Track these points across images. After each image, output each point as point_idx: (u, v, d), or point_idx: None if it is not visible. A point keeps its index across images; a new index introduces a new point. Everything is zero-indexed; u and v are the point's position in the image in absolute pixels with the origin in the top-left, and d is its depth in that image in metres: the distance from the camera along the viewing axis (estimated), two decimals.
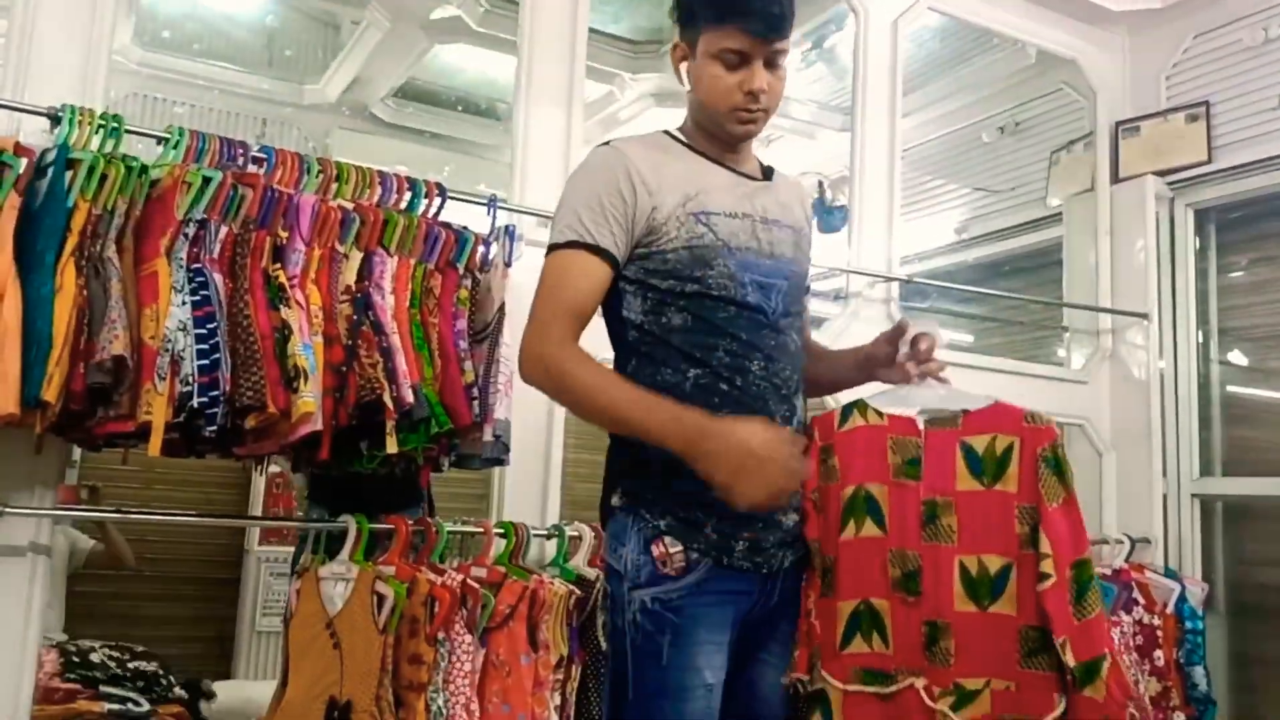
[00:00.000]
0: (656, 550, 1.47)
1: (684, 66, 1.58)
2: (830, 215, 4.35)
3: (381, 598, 1.98)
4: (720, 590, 1.49)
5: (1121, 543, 3.05)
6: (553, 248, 1.53)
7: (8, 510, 1.90)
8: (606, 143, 1.58)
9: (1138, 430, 3.33)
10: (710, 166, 1.59)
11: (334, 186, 2.14)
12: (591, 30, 2.77)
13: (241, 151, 2.06)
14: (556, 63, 2.66)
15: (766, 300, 1.54)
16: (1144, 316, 3.40)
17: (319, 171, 2.13)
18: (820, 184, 4.44)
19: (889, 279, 3.06)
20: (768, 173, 1.68)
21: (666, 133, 1.63)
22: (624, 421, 1.44)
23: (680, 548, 1.47)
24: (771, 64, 1.51)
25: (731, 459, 1.33)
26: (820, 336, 2.94)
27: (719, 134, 1.59)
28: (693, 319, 1.51)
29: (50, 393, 1.70)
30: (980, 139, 4.33)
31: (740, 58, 1.49)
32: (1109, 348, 3.48)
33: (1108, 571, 2.88)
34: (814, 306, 4.17)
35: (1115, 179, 3.56)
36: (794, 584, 1.61)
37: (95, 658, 3.11)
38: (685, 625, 1.46)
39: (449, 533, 2.18)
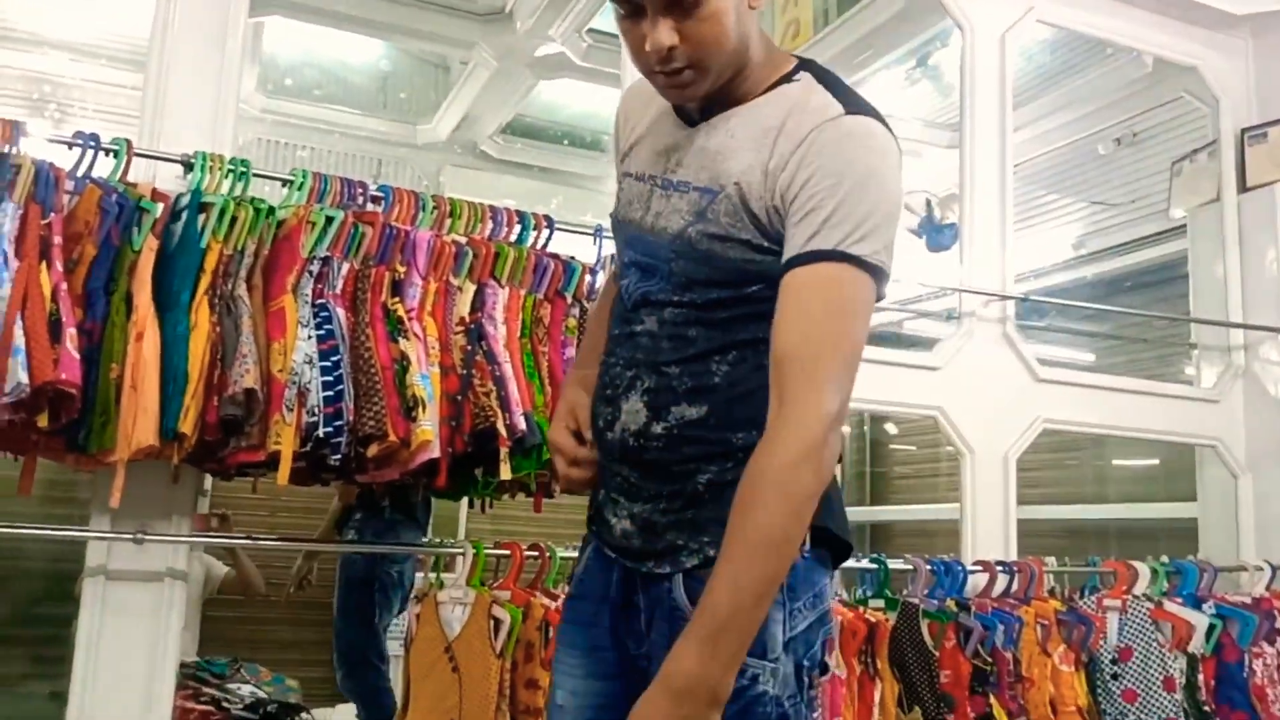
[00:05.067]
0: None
1: None
2: (940, 233, 4.28)
3: (498, 622, 2.01)
4: (590, 577, 1.32)
5: (1261, 570, 2.89)
6: None
7: (147, 537, 2.00)
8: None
9: (1275, 450, 3.16)
10: (665, 112, 1.33)
11: (448, 222, 2.21)
12: None
13: (361, 191, 2.15)
14: None
15: (632, 285, 1.29)
16: (1278, 331, 3.23)
17: (433, 208, 2.20)
18: (928, 202, 4.37)
19: (1004, 297, 2.98)
20: (721, 104, 1.25)
21: None
22: None
23: (582, 543, 1.37)
24: (675, 9, 1.14)
25: None
26: (934, 358, 2.91)
27: None
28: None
29: (186, 425, 1.79)
30: (1096, 151, 4.20)
31: (631, 8, 1.17)
32: (1241, 364, 3.31)
33: (1248, 600, 2.73)
34: (925, 327, 4.02)
35: (1242, 188, 3.40)
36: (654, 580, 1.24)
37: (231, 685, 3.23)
38: (560, 632, 1.36)
39: (560, 558, 2.21)
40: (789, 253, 1.15)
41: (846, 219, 1.11)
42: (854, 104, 1.18)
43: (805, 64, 1.25)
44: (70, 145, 1.95)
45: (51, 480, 3.18)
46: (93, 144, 1.94)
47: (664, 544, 1.22)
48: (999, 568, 2.58)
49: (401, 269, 2.06)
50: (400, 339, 1.98)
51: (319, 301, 1.97)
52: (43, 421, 1.73)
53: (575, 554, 1.45)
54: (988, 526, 2.84)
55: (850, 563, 2.66)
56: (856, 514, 5.29)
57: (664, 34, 1.14)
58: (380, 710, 3.05)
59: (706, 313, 1.22)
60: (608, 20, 3.05)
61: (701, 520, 1.20)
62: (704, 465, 1.20)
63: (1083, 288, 4.24)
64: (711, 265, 1.20)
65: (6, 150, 1.82)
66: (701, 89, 1.20)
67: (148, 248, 1.89)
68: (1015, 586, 2.58)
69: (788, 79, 1.23)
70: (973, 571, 2.58)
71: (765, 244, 1.18)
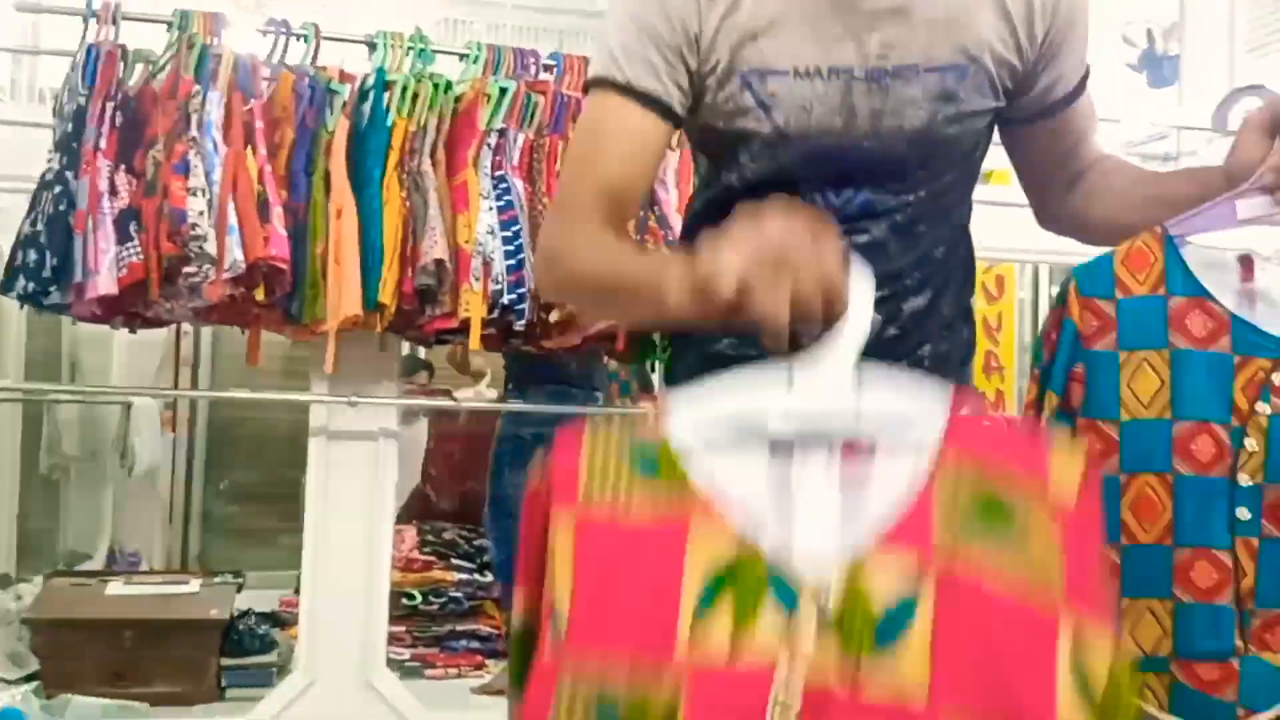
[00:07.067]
0: None
1: None
2: (1163, 67, 3.89)
3: None
4: None
5: None
6: (588, 85, 1.02)
7: (361, 400, 2.17)
8: None
9: None
10: None
11: None
12: None
13: (533, 60, 2.17)
14: None
15: (835, 200, 1.04)
16: None
17: None
18: (1149, 32, 3.96)
19: (1229, 134, 2.70)
20: None
21: None
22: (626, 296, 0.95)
23: None
24: None
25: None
26: None
27: None
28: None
29: (386, 294, 1.93)
30: None
31: None
32: None
33: None
34: None
35: None
36: None
37: (448, 535, 3.52)
38: None
39: None
40: (1068, 86, 1.07)
41: (1087, 33, 1.06)
42: None
43: None
44: (264, 33, 2.06)
45: (285, 356, 3.51)
46: (283, 30, 2.05)
47: None
48: None
49: None
50: None
51: (498, 174, 2.03)
52: (259, 295, 1.90)
53: None
54: None
55: None
56: None
57: None
58: (500, 555, 3.20)
59: (934, 202, 1.07)
60: None
61: None
62: (925, 343, 1.11)
63: None
64: (950, 147, 1.04)
65: (209, 42, 1.95)
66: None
67: (340, 129, 2.00)
68: None
69: None
70: None
71: (1001, 103, 1.04)
